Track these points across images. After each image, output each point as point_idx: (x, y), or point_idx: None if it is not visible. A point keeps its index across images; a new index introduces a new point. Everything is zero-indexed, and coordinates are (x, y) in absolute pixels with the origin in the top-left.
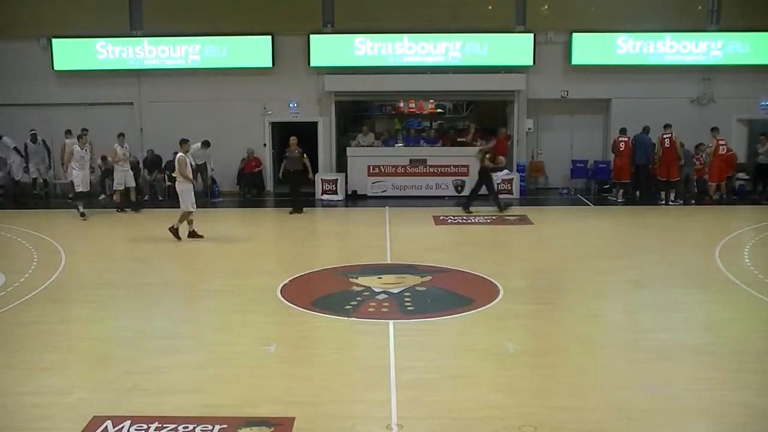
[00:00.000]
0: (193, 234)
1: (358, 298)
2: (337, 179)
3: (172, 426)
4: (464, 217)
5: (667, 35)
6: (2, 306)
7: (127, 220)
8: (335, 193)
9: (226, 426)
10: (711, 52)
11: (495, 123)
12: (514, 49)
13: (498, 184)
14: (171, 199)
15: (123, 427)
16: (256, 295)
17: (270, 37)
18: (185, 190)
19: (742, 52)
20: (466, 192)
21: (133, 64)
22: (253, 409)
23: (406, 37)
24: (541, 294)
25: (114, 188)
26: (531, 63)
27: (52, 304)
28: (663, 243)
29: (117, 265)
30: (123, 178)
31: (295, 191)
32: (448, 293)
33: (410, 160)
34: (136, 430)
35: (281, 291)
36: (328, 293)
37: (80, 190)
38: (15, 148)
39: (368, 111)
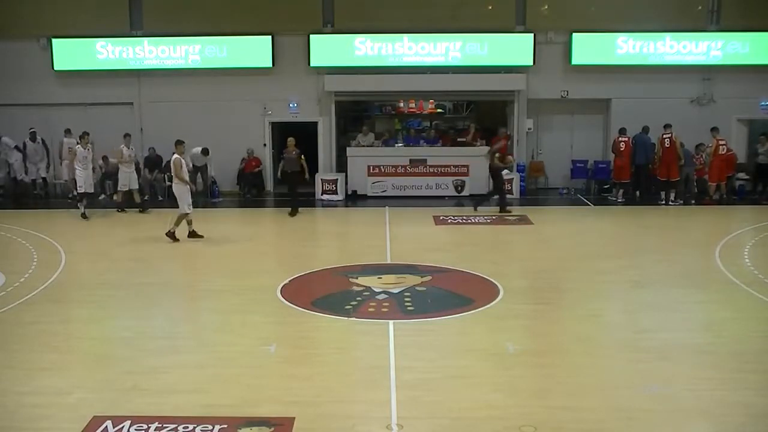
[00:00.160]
0: (193, 234)
1: (358, 298)
2: (337, 179)
3: (172, 426)
4: (464, 217)
5: (667, 35)
6: (2, 306)
7: (128, 220)
8: (335, 193)
9: (226, 426)
10: (711, 52)
11: (495, 123)
12: (514, 49)
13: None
14: (171, 200)
15: (123, 427)
16: (256, 295)
17: (270, 37)
18: (182, 192)
19: (742, 52)
20: (466, 192)
21: (133, 64)
22: (253, 409)
23: (406, 37)
24: (541, 294)
25: (119, 189)
26: (531, 63)
27: (52, 304)
28: (663, 243)
29: (117, 265)
30: (128, 179)
31: (292, 192)
32: (448, 293)
33: (410, 160)
34: (136, 430)
35: (281, 291)
36: (328, 293)
37: (83, 191)
38: (16, 147)
39: (368, 111)
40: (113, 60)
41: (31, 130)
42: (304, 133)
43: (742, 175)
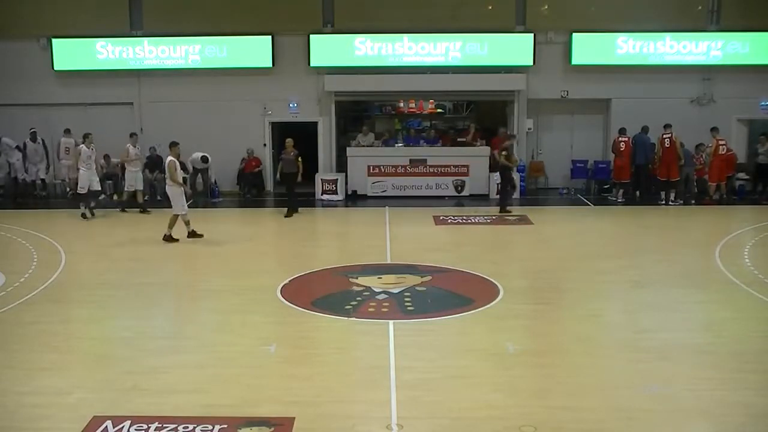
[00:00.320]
0: (193, 234)
1: (358, 298)
2: (337, 179)
3: (172, 426)
4: (464, 217)
5: (667, 35)
6: (2, 306)
7: (128, 221)
8: (335, 193)
9: (226, 426)
10: (711, 52)
11: (495, 123)
12: (514, 49)
13: (498, 183)
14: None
15: (123, 427)
16: (256, 295)
17: (270, 37)
18: (175, 194)
19: (742, 52)
20: (466, 192)
21: (133, 64)
22: (253, 409)
23: (406, 37)
24: (541, 294)
25: (125, 189)
26: (531, 63)
27: (52, 304)
28: (663, 243)
29: (117, 265)
30: (134, 179)
31: (290, 193)
32: (448, 293)
33: (410, 160)
34: (136, 430)
35: (281, 291)
36: (328, 293)
37: (84, 191)
38: (17, 147)
39: (368, 111)
40: (113, 60)
41: (32, 130)
42: (304, 133)
43: (742, 175)
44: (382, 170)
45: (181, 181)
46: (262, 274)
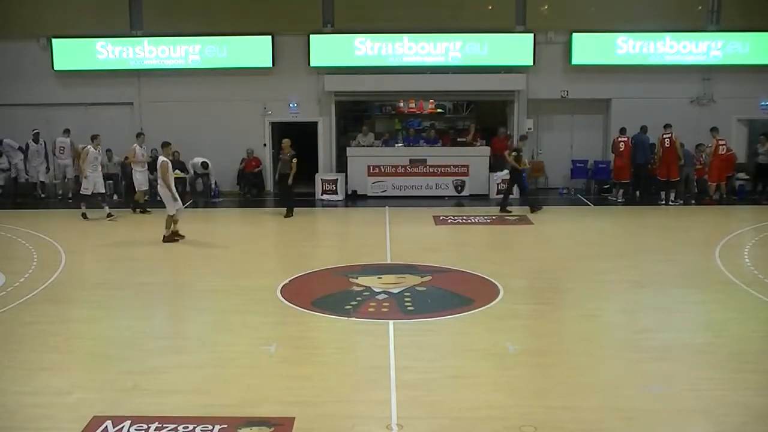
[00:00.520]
0: (174, 235)
1: (358, 298)
2: (337, 179)
3: (172, 426)
4: (464, 217)
5: (667, 35)
6: (2, 306)
7: (128, 221)
8: (335, 193)
9: (226, 426)
10: (711, 52)
11: (495, 123)
12: (514, 49)
13: (498, 183)
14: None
15: (123, 427)
16: (256, 295)
17: (270, 37)
18: (167, 195)
19: (742, 52)
20: (466, 192)
21: (133, 64)
22: (253, 409)
23: (406, 37)
24: (541, 294)
25: (137, 189)
26: (531, 63)
27: (52, 304)
28: (663, 243)
29: (117, 265)
30: (144, 179)
31: (288, 194)
32: (448, 293)
33: (410, 160)
34: (136, 430)
35: (281, 291)
36: (328, 293)
37: (88, 193)
38: (19, 148)
39: (368, 111)
40: (113, 60)
41: (35, 131)
42: (304, 134)
43: (742, 175)
44: (382, 170)
45: (171, 183)
46: (262, 274)
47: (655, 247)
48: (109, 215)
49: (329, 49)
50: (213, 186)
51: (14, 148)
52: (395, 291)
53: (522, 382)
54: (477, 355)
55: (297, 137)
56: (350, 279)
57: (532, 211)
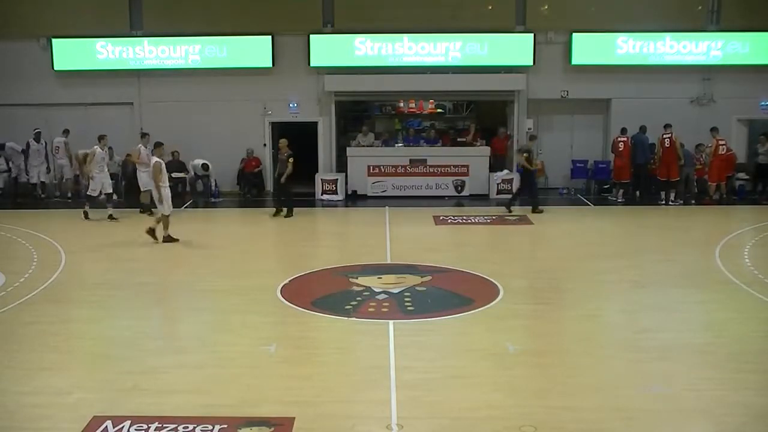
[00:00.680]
0: (150, 232)
1: (358, 298)
2: (337, 179)
3: (172, 426)
4: (464, 217)
5: (667, 35)
6: (2, 306)
7: (128, 221)
8: (335, 193)
9: (226, 426)
10: (711, 52)
11: (495, 123)
12: (514, 49)
13: (498, 183)
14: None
15: (123, 427)
16: (256, 295)
17: (270, 37)
18: (163, 196)
19: (742, 52)
20: (466, 192)
21: (133, 64)
22: (253, 409)
23: (406, 37)
24: (541, 294)
25: (143, 190)
26: (531, 63)
27: (52, 304)
28: (663, 243)
29: (117, 265)
30: (149, 179)
31: (287, 194)
32: (448, 293)
33: (410, 160)
34: (136, 430)
35: (281, 291)
36: (328, 293)
37: (95, 194)
38: (22, 150)
39: (368, 111)
40: (113, 60)
41: (36, 130)
42: (304, 134)
43: (742, 175)
44: (382, 170)
45: (163, 184)
46: (262, 274)
47: (655, 247)
48: (111, 216)
49: (329, 49)
50: (213, 186)
51: (17, 152)
52: (395, 291)
53: (522, 382)
54: (477, 355)
55: (297, 137)
56: (350, 279)
57: (534, 211)
